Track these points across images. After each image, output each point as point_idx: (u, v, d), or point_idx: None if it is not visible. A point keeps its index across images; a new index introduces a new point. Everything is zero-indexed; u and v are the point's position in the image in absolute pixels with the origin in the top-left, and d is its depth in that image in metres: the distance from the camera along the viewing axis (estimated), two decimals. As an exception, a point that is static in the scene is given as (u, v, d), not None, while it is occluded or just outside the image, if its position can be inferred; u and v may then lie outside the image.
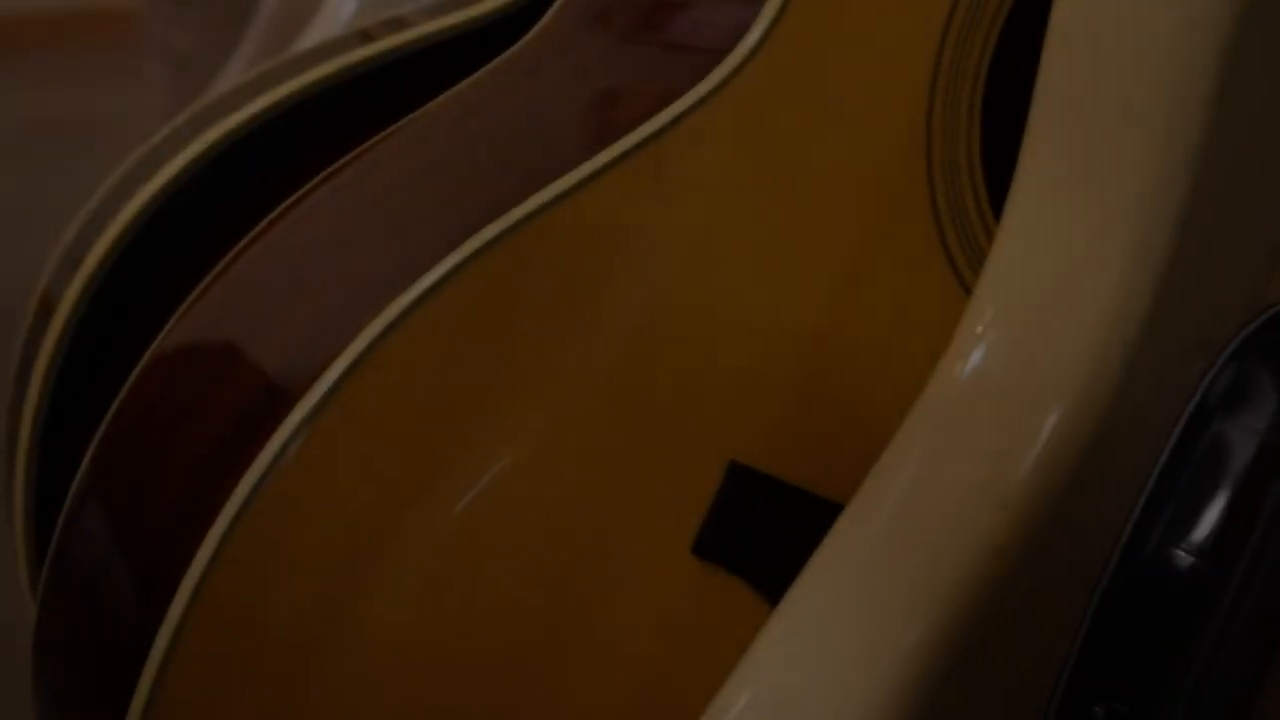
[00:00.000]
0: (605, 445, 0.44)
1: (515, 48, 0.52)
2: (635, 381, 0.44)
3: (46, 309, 0.52)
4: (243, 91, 0.55)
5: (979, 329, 0.39)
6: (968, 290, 0.50)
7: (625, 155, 0.42)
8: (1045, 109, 0.39)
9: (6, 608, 1.15)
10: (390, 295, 0.40)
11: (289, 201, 0.48)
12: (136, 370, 0.46)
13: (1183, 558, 0.39)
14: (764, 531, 0.47)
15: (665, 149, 0.42)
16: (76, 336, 0.51)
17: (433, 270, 0.40)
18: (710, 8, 0.46)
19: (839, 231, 0.47)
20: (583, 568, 0.44)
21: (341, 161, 0.48)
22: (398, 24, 0.57)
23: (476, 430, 0.42)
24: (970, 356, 0.39)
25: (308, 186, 0.48)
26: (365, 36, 0.56)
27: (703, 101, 0.43)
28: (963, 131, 0.49)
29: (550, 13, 0.52)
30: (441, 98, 0.50)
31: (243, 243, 0.47)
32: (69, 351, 0.51)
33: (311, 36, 0.79)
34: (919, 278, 0.49)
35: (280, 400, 0.39)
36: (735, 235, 0.45)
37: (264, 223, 0.47)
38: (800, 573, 0.40)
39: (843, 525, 0.39)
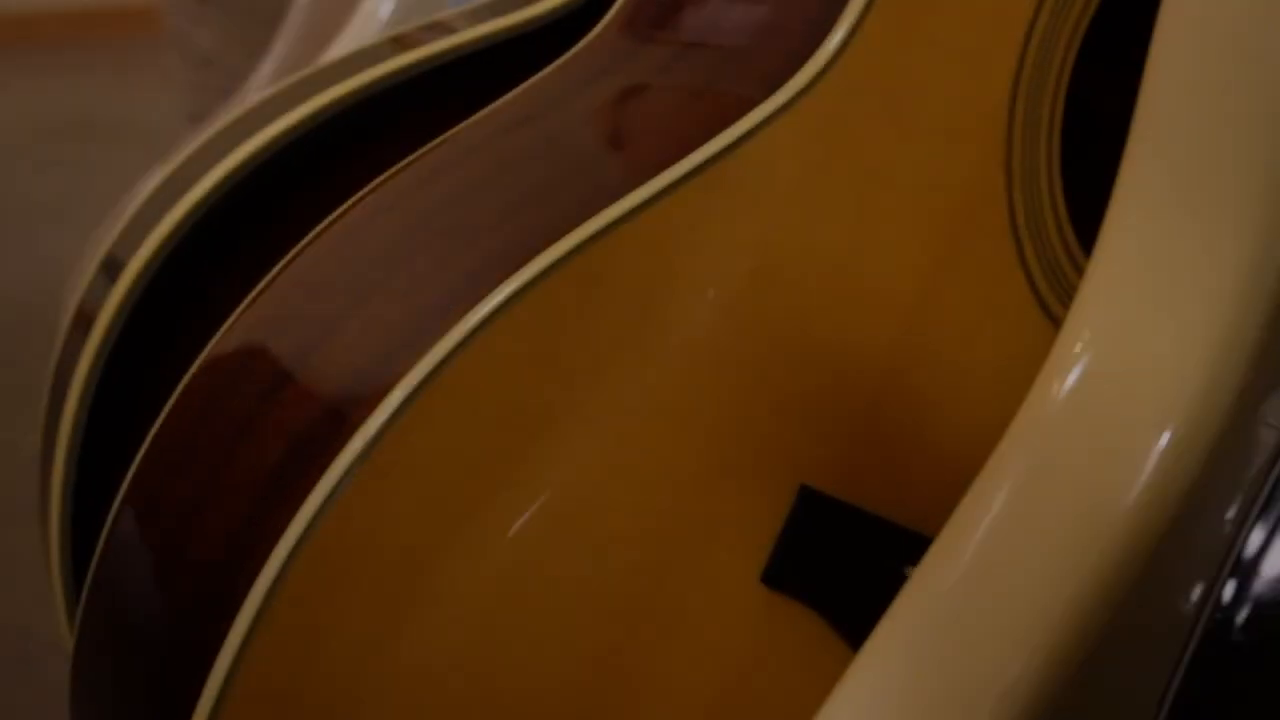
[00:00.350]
0: (672, 469, 0.42)
1: (571, 54, 0.50)
2: (704, 403, 0.42)
3: (84, 322, 0.50)
4: (284, 97, 0.53)
5: (1077, 348, 0.37)
6: (1044, 306, 0.48)
7: (698, 170, 0.40)
8: (1148, 125, 0.37)
9: (19, 610, 1.13)
10: (455, 314, 0.38)
11: (339, 211, 0.46)
12: (181, 386, 0.44)
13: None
14: (836, 559, 0.45)
15: (739, 163, 0.40)
16: (116, 350, 0.49)
17: (499, 289, 0.38)
18: (782, 12, 0.44)
19: (915, 247, 0.45)
20: (646, 598, 0.42)
21: (392, 170, 0.46)
22: (441, 29, 0.55)
23: (540, 455, 0.40)
24: (1068, 376, 0.37)
25: (358, 195, 0.46)
26: (407, 42, 0.54)
27: (780, 112, 0.41)
28: (1043, 144, 0.47)
29: (607, 18, 0.50)
30: (496, 104, 0.48)
31: (293, 253, 0.45)
32: (108, 366, 0.49)
33: (348, 36, 0.77)
34: (996, 294, 0.47)
35: (340, 424, 0.37)
36: (809, 252, 0.43)
37: (314, 233, 0.45)
38: (890, 607, 0.38)
39: (933, 557, 0.37)
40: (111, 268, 0.50)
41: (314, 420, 0.38)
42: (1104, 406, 0.36)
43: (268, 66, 0.92)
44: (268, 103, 0.53)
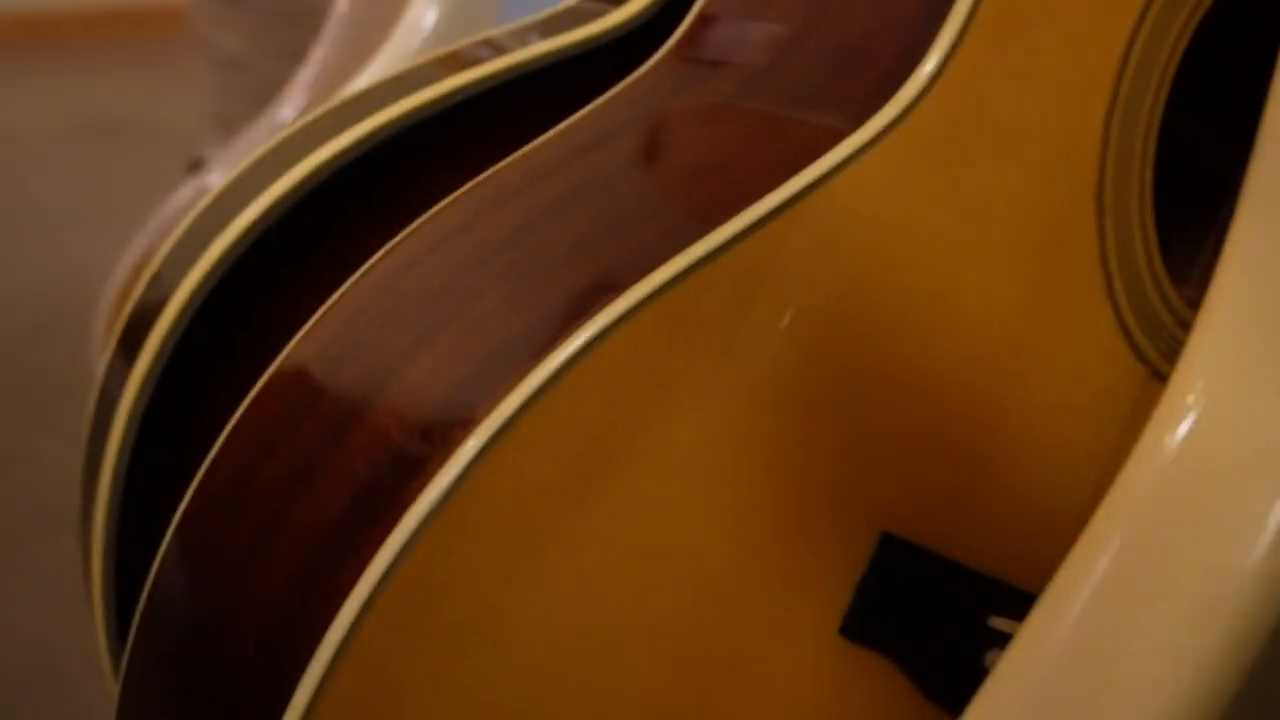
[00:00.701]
0: (750, 514, 0.40)
1: (638, 75, 0.48)
2: (784, 446, 0.40)
3: (129, 347, 0.48)
4: (335, 118, 0.51)
5: (1189, 399, 0.35)
6: (1133, 343, 0.46)
7: (786, 204, 0.38)
8: (1265, 175, 0.35)
9: (47, 626, 1.12)
10: (533, 357, 0.35)
11: (397, 239, 0.44)
12: (233, 422, 0.42)
13: None
14: (917, 609, 0.43)
15: (828, 197, 0.38)
16: (163, 381, 0.47)
17: (580, 331, 0.35)
18: (868, 38, 0.42)
19: (1004, 283, 0.43)
20: (721, 649, 0.41)
21: (453, 196, 0.44)
22: (493, 47, 0.53)
23: (617, 501, 0.38)
24: (1180, 428, 0.35)
25: (417, 222, 0.44)
26: (461, 61, 0.52)
27: (871, 144, 0.39)
28: (1135, 175, 0.45)
29: (674, 38, 0.48)
30: (561, 128, 0.46)
31: (350, 281, 0.43)
32: (154, 397, 0.47)
33: (392, 46, 0.75)
34: (1084, 330, 0.45)
35: (411, 472, 0.35)
36: (896, 290, 0.41)
37: (371, 261, 0.43)
38: (989, 678, 0.36)
39: (1036, 620, 0.35)
40: (157, 293, 0.48)
41: (383, 467, 0.36)
42: (1221, 460, 0.34)
43: (306, 74, 0.91)
44: (318, 123, 0.51)
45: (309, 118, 0.52)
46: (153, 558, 0.43)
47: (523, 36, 0.53)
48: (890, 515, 0.43)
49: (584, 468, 0.37)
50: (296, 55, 1.15)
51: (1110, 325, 0.45)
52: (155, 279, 0.49)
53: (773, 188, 0.38)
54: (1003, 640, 0.42)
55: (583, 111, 0.46)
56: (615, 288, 0.36)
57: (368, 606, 0.34)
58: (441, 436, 0.35)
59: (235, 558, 0.39)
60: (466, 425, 0.35)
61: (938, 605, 0.43)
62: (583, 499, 0.37)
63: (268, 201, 0.47)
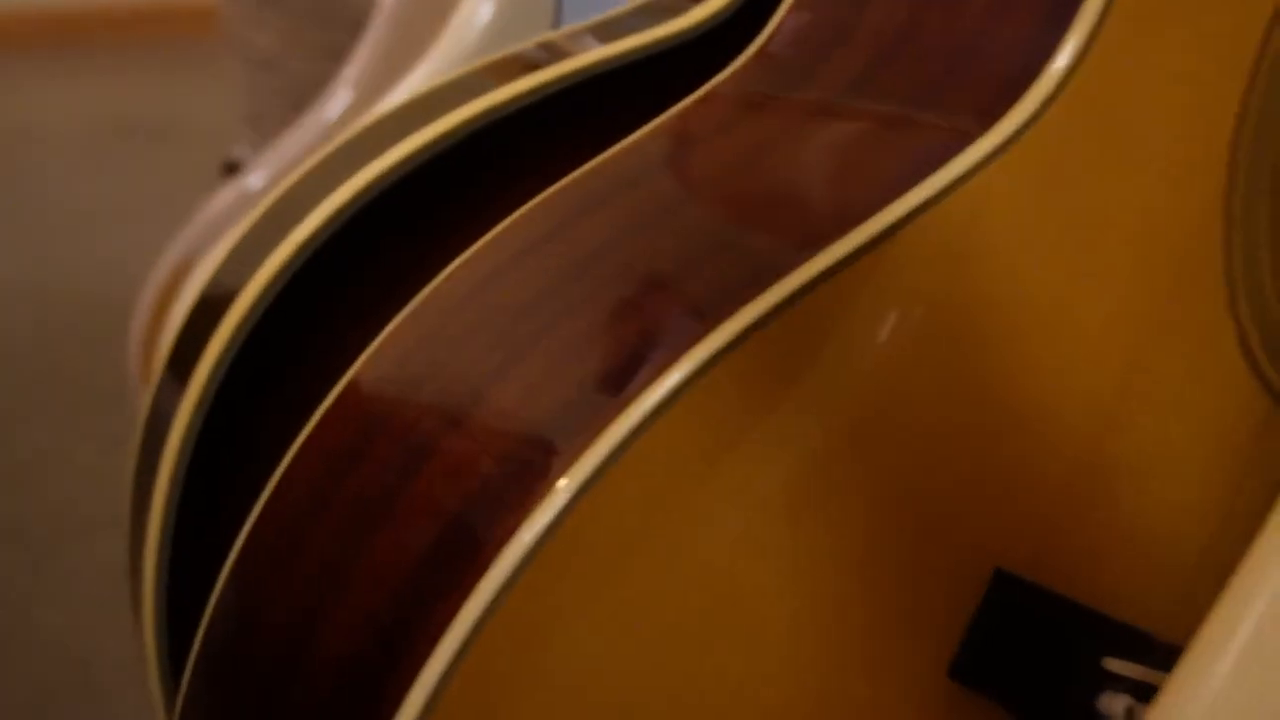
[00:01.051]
0: (854, 551, 0.37)
1: (728, 74, 0.44)
2: (888, 476, 0.37)
3: (180, 367, 0.45)
4: (400, 120, 0.48)
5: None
6: (1257, 368, 0.43)
7: (908, 217, 0.34)
8: None
9: (82, 635, 1.09)
10: (631, 388, 0.32)
11: (473, 250, 0.41)
12: (297, 446, 0.39)
13: None
14: (1030, 650, 0.40)
15: (953, 208, 0.35)
16: (219, 401, 0.44)
17: (685, 360, 0.32)
18: (989, 29, 0.39)
19: (1126, 300, 0.40)
20: (819, 695, 0.38)
21: (532, 204, 0.41)
22: (567, 45, 0.50)
23: (718, 543, 0.35)
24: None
25: (494, 233, 0.41)
26: (528, 61, 0.49)
27: (1002, 148, 0.35)
28: (1265, 191, 0.41)
29: (765, 34, 0.45)
30: (647, 130, 0.43)
31: (423, 294, 0.40)
32: (210, 418, 0.44)
33: (446, 42, 0.72)
34: (1206, 355, 0.42)
35: (504, 507, 0.32)
36: (1015, 306, 0.38)
37: (445, 273, 0.40)
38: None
39: (1193, 664, 0.32)
40: (211, 308, 0.46)
41: (473, 501, 0.33)
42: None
43: (350, 71, 0.88)
44: (381, 126, 0.48)
45: (370, 121, 0.49)
46: (208, 595, 0.40)
47: (597, 34, 0.50)
48: (1001, 550, 0.40)
49: (679, 506, 0.34)
50: (329, 54, 1.13)
51: (1233, 347, 0.42)
52: (208, 292, 0.47)
53: (891, 199, 0.34)
54: (1118, 683, 0.40)
55: (669, 113, 0.43)
56: (720, 313, 0.33)
57: (460, 655, 0.31)
58: (538, 469, 0.32)
59: (303, 596, 0.36)
60: (563, 459, 0.32)
61: (1051, 645, 0.40)
62: (678, 540, 0.34)
63: (331, 209, 0.44)
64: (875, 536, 0.37)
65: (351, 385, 0.39)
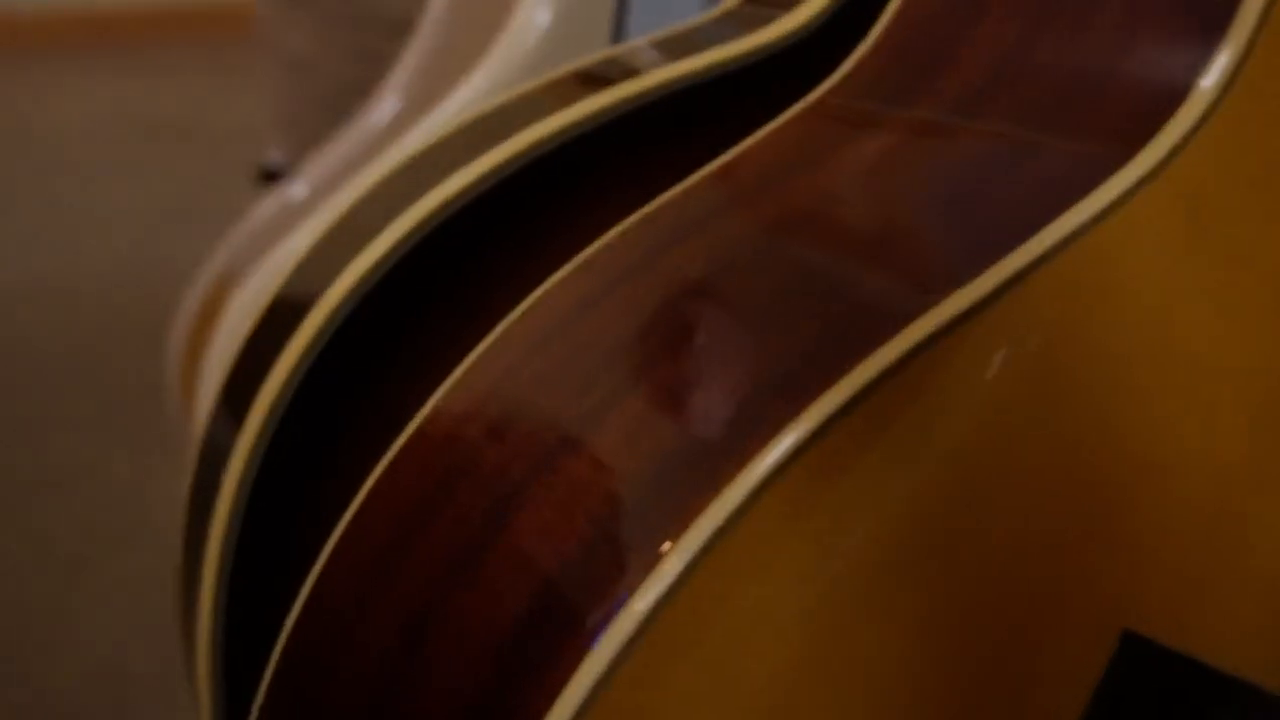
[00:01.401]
0: (965, 610, 0.34)
1: (825, 92, 0.41)
2: (1010, 528, 0.34)
3: (238, 398, 0.42)
4: (473, 134, 0.45)
5: None
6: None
7: (1050, 253, 0.31)
8: None
9: (114, 648, 1.07)
10: (749, 444, 0.29)
11: (566, 271, 0.38)
12: (367, 490, 0.36)
13: None
14: (1158, 715, 0.37)
15: (1098, 245, 0.32)
16: (280, 437, 0.41)
17: (803, 418, 0.29)
18: (1123, 45, 0.35)
19: (1265, 344, 0.36)
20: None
21: (621, 229, 0.38)
22: (645, 56, 0.47)
23: (839, 609, 0.31)
24: None
25: (586, 255, 0.38)
26: (602, 77, 0.46)
27: (1148, 178, 0.32)
28: None
29: (866, 48, 0.42)
30: (743, 148, 0.40)
31: (505, 324, 0.37)
32: (270, 457, 0.41)
33: (504, 46, 0.69)
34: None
35: (609, 573, 0.29)
36: (1159, 352, 0.34)
37: (534, 297, 0.37)
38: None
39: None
40: (272, 334, 0.42)
41: (572, 562, 0.30)
42: None
43: (399, 75, 0.85)
44: (449, 144, 0.45)
45: (440, 136, 0.46)
46: (269, 650, 0.37)
47: (678, 45, 0.46)
48: (1130, 611, 0.37)
49: (778, 566, 0.31)
50: (362, 58, 1.11)
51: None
52: (268, 317, 0.44)
53: (1032, 231, 0.31)
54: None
55: (767, 130, 0.40)
56: (843, 364, 0.30)
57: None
58: (647, 531, 0.29)
59: (378, 660, 0.33)
60: (669, 523, 0.29)
61: (1185, 714, 0.37)
62: (777, 602, 0.31)
63: (403, 228, 0.41)
64: (990, 598, 0.34)
65: (429, 422, 0.36)
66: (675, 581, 0.28)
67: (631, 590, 0.28)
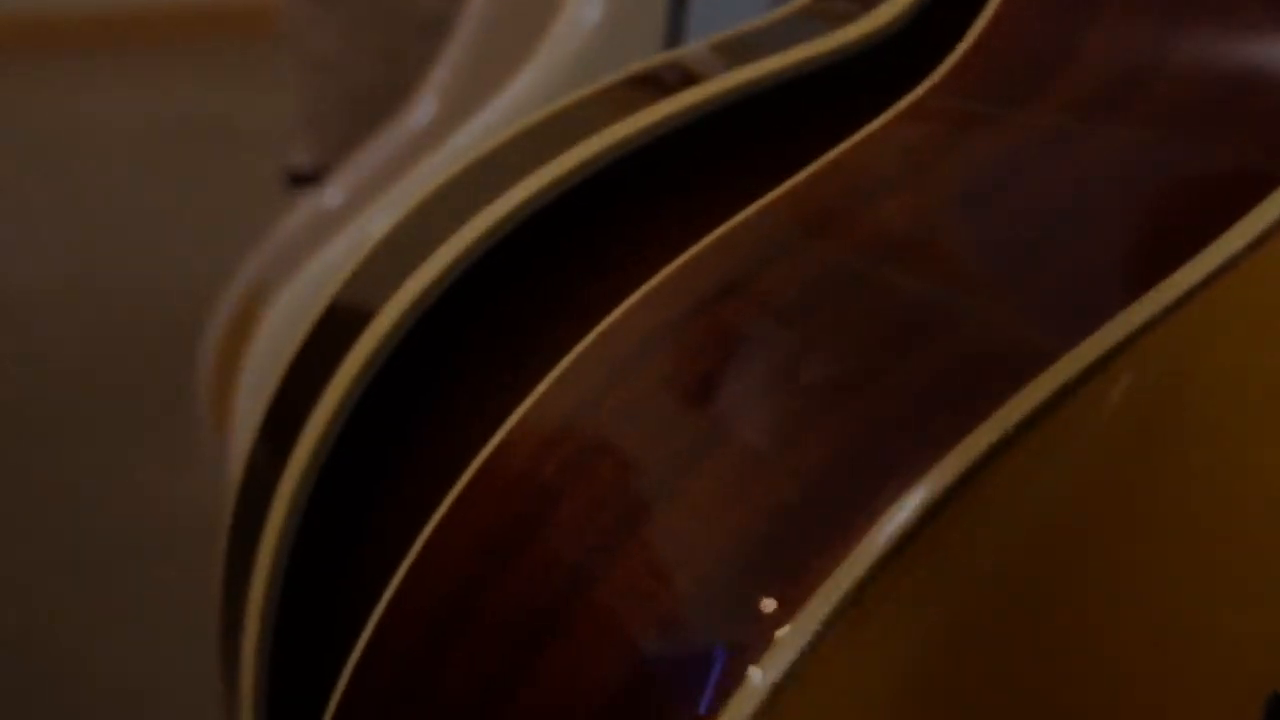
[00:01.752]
0: (1100, 686, 0.31)
1: (924, 93, 0.38)
2: (1166, 586, 0.30)
3: (282, 431, 0.39)
4: (535, 140, 0.41)
5: None
6: None
7: (1214, 275, 0.28)
8: None
9: (130, 668, 1.04)
10: (878, 501, 0.26)
11: (642, 293, 0.34)
12: (427, 536, 0.33)
13: None
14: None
15: (1263, 263, 0.28)
16: (330, 471, 0.38)
17: (935, 471, 0.26)
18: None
19: None
20: None
21: (702, 247, 0.35)
22: (719, 57, 0.44)
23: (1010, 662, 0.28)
24: None
25: (664, 274, 0.34)
26: (682, 73, 0.43)
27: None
28: None
29: (966, 48, 0.38)
30: (831, 158, 0.36)
31: (581, 347, 0.33)
32: (319, 494, 0.38)
33: (551, 46, 0.66)
34: None
35: (719, 655, 0.25)
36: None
37: (608, 321, 0.34)
38: None
39: None
40: (318, 361, 0.39)
41: (667, 632, 0.26)
42: None
43: (438, 76, 0.82)
44: (511, 148, 0.41)
45: (493, 145, 0.42)
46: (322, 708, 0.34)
47: (753, 44, 0.43)
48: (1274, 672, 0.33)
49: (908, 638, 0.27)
50: (389, 58, 1.09)
51: None
52: (313, 343, 0.40)
53: (1195, 250, 0.27)
54: None
55: (861, 136, 0.36)
56: (977, 409, 0.26)
57: None
58: (749, 605, 0.25)
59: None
60: (785, 591, 0.25)
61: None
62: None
63: (460, 247, 0.38)
64: (1121, 666, 0.31)
65: (498, 457, 0.33)
66: (798, 658, 0.24)
67: (749, 664, 0.24)
